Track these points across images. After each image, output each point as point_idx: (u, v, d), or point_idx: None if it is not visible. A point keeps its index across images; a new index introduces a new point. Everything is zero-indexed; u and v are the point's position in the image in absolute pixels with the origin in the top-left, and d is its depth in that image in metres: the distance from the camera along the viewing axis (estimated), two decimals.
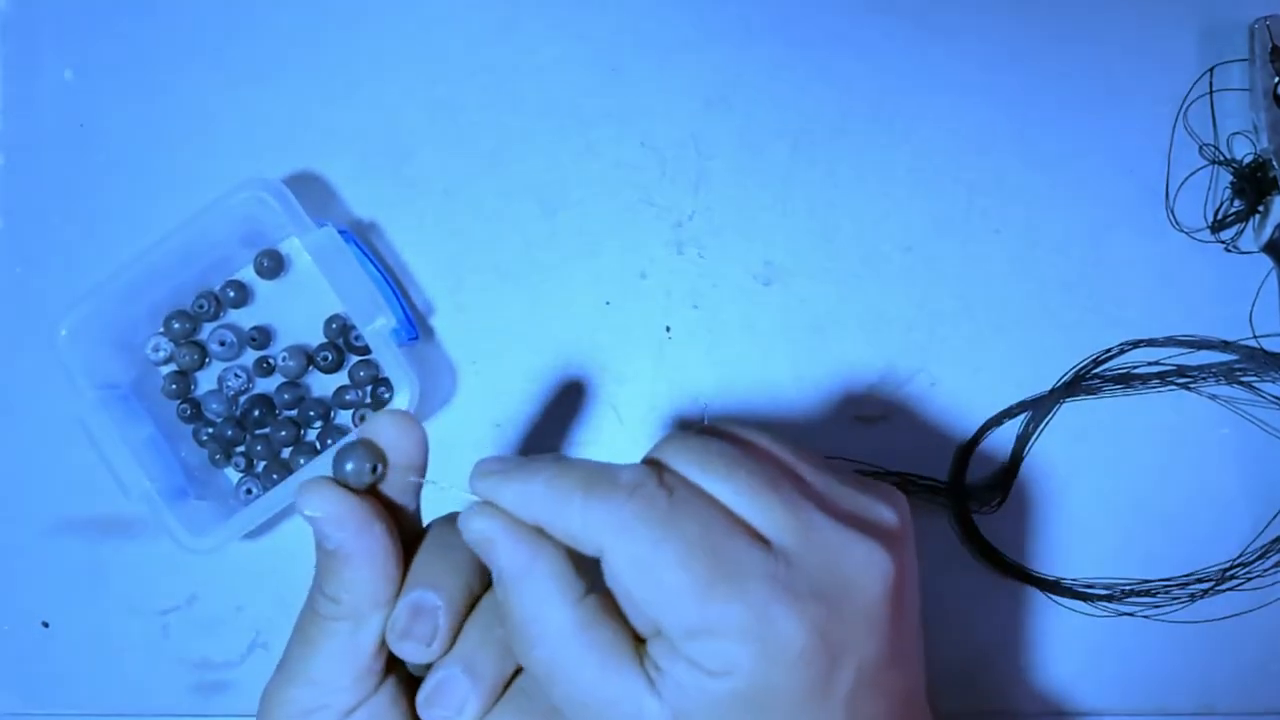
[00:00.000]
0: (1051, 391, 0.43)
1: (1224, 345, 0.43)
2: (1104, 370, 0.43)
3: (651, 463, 0.30)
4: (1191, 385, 0.43)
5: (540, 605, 0.28)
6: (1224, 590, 0.42)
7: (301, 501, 0.30)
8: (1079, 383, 0.43)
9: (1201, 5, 0.45)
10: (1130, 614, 0.42)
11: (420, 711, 0.30)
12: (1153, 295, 0.44)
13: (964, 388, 0.44)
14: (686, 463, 0.29)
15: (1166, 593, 0.42)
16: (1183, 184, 0.44)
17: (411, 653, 0.30)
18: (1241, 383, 0.43)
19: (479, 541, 0.29)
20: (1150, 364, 0.43)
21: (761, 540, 0.28)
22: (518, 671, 0.31)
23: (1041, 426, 0.43)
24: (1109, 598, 0.43)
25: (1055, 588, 0.43)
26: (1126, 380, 0.43)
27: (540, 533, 0.29)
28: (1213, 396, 0.43)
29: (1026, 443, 0.43)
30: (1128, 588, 0.43)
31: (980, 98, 0.45)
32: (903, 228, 0.45)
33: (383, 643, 0.31)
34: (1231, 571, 0.42)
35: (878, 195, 0.45)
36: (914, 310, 0.44)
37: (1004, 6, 0.45)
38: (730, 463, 0.29)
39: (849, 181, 0.45)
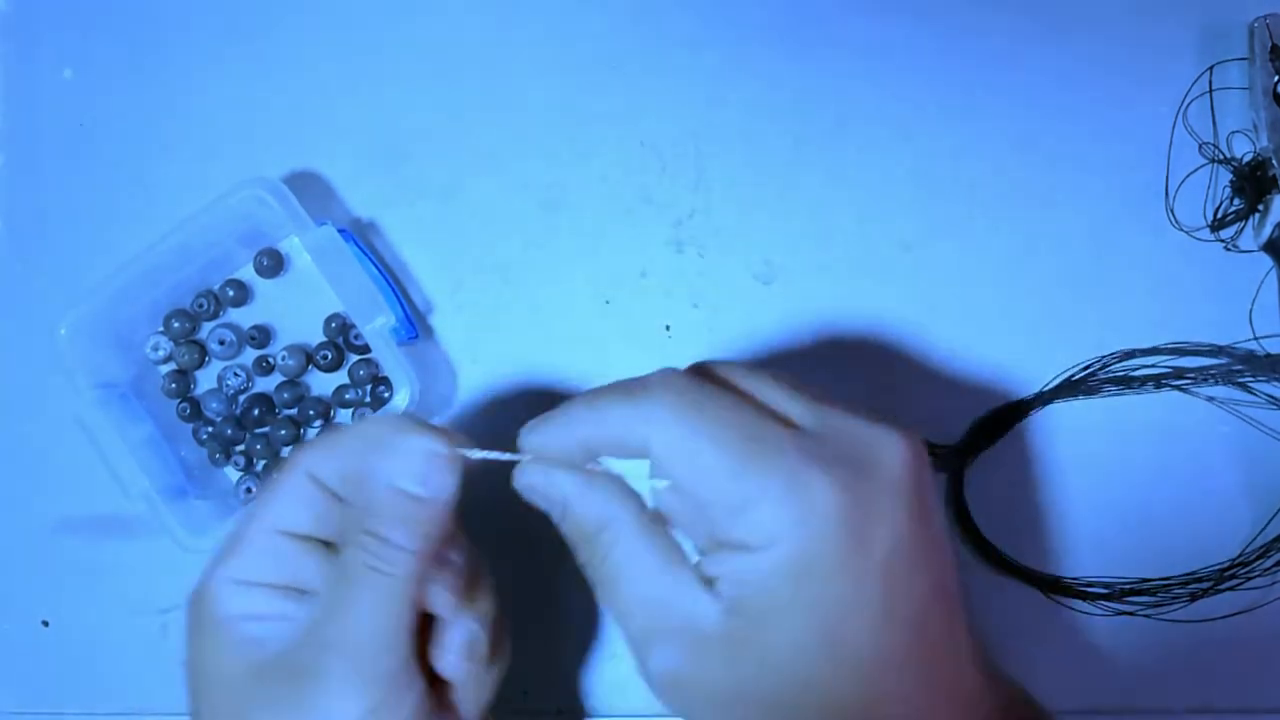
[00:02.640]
0: (1050, 391, 0.43)
1: (1217, 350, 0.43)
2: (1102, 374, 0.43)
3: None
4: (1189, 388, 0.43)
5: (610, 512, 0.31)
6: (1224, 590, 0.42)
7: (415, 439, 0.32)
8: (1077, 384, 0.43)
9: (1201, 4, 0.45)
10: (1130, 613, 0.42)
11: (446, 660, 0.33)
12: (1152, 294, 0.44)
13: (963, 386, 0.44)
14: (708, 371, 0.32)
15: (1166, 592, 0.42)
16: (1182, 183, 0.44)
17: (452, 606, 0.33)
18: (1238, 384, 0.43)
19: (534, 486, 0.32)
20: (1148, 366, 0.43)
21: (786, 422, 0.30)
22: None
23: (1039, 426, 0.43)
24: (1108, 597, 0.43)
25: (1055, 587, 0.43)
26: (1125, 382, 0.43)
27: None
28: (1210, 398, 0.43)
29: (1025, 440, 0.43)
30: (1127, 587, 0.43)
31: (980, 96, 0.45)
32: (902, 227, 0.45)
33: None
34: (1231, 571, 0.42)
35: (878, 194, 0.45)
36: (913, 309, 0.44)
37: (1004, 4, 0.45)
38: (745, 370, 0.32)
39: (849, 180, 0.45)
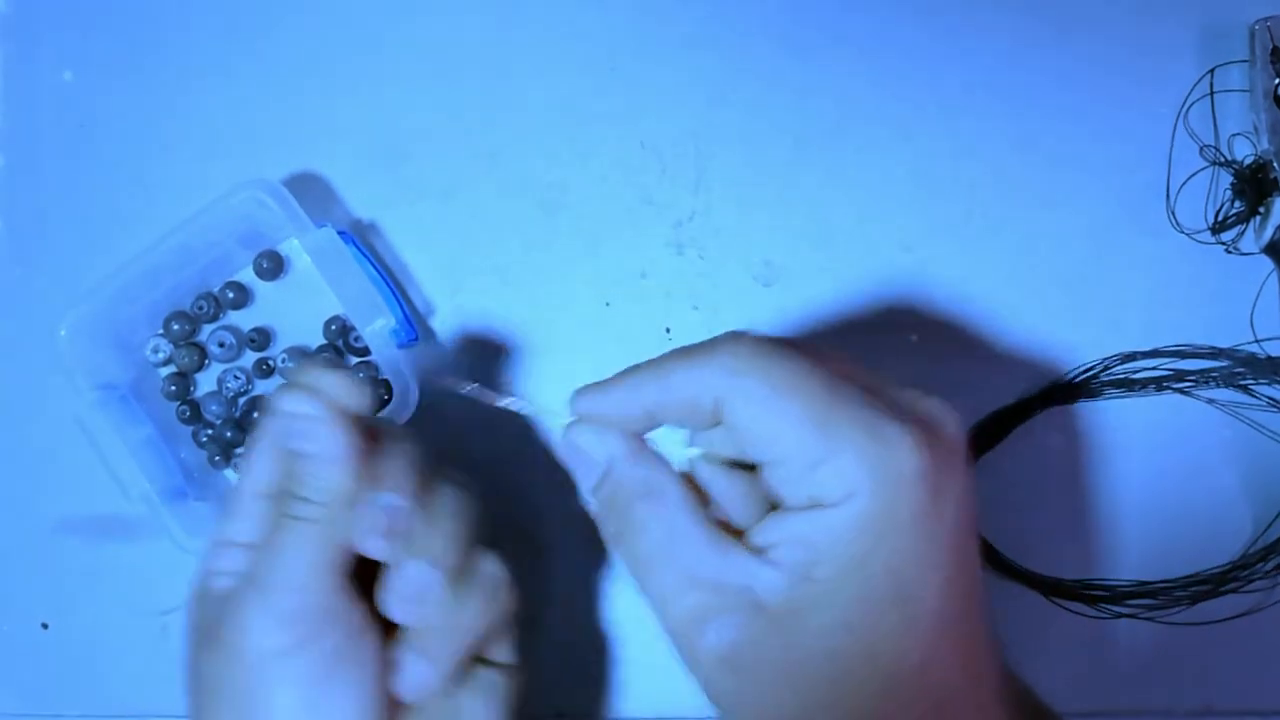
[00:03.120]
0: (1051, 393, 0.43)
1: (1218, 353, 0.43)
2: (1103, 376, 0.43)
3: None
4: (1190, 391, 0.43)
5: (656, 480, 0.31)
6: (1224, 592, 0.42)
7: (286, 402, 0.32)
8: (1078, 387, 0.43)
9: (1202, 6, 0.45)
10: (1131, 615, 0.42)
11: (390, 604, 0.33)
12: (1153, 296, 0.44)
13: (963, 389, 0.44)
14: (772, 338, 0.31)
15: (1167, 594, 0.42)
16: (1183, 185, 0.44)
17: (381, 549, 0.32)
18: (1239, 386, 0.43)
19: (583, 445, 0.32)
20: (1149, 369, 0.43)
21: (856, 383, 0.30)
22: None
23: (1040, 428, 0.43)
24: (1109, 599, 0.42)
25: (1056, 589, 0.43)
26: (1126, 385, 0.43)
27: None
28: (1211, 401, 0.43)
29: (1026, 443, 0.43)
30: (1128, 589, 0.42)
31: (980, 97, 0.45)
32: (902, 228, 0.44)
33: (347, 553, 0.32)
34: (1232, 574, 0.42)
35: (878, 195, 0.45)
36: (913, 311, 0.44)
37: (1005, 5, 0.45)
38: (807, 341, 0.32)
39: (849, 181, 0.45)
